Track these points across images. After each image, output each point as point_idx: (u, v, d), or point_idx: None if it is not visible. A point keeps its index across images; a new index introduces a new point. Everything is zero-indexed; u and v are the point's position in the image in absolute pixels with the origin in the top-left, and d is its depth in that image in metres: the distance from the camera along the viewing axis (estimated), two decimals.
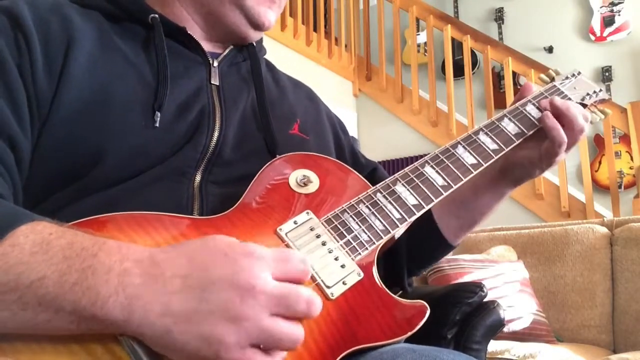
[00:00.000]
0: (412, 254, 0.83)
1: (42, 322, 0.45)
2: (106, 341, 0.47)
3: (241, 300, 0.45)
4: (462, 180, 0.71)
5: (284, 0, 0.80)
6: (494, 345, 1.75)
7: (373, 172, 0.89)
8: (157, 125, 0.66)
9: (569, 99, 0.84)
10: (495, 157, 0.74)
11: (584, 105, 0.89)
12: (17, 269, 0.44)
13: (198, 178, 0.67)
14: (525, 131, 0.77)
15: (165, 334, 0.44)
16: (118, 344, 0.46)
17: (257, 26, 0.78)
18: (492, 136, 0.76)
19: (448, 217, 0.82)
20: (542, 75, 0.89)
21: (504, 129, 0.77)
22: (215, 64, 0.77)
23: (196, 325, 0.44)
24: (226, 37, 0.79)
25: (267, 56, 0.91)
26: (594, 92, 0.88)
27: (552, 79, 0.88)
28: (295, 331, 0.47)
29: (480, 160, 0.73)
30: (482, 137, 0.75)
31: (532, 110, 0.80)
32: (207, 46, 0.77)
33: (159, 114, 0.66)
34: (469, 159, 0.73)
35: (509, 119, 0.78)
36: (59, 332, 0.46)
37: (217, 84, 0.75)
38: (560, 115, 0.75)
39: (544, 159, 0.76)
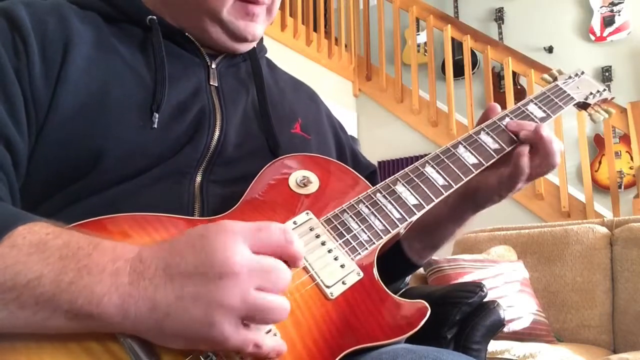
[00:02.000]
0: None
1: (40, 321, 0.45)
2: (105, 341, 0.47)
3: (223, 279, 0.44)
4: (462, 179, 0.71)
5: (275, 8, 0.77)
6: (494, 345, 1.75)
7: (371, 175, 0.89)
8: (155, 126, 0.65)
9: (572, 97, 0.84)
10: (497, 157, 0.74)
11: (587, 105, 0.88)
12: (14, 269, 0.44)
13: (199, 178, 0.67)
14: None
15: (159, 328, 0.45)
16: (117, 343, 0.46)
17: (241, 40, 0.76)
18: (494, 136, 0.75)
19: (411, 239, 0.81)
20: (545, 75, 0.88)
21: (505, 128, 0.76)
22: (214, 65, 0.76)
23: (185, 314, 0.44)
24: (216, 48, 0.77)
25: (266, 56, 0.90)
26: (598, 91, 0.88)
27: (555, 79, 0.88)
28: (284, 302, 0.47)
29: (482, 160, 0.73)
30: (484, 137, 0.75)
31: (534, 110, 0.80)
32: (204, 48, 0.77)
33: (157, 115, 0.66)
34: (470, 158, 0.73)
35: (511, 118, 0.78)
36: (57, 331, 0.46)
37: (216, 85, 0.75)
38: (539, 146, 0.72)
39: (504, 185, 0.74)
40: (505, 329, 1.96)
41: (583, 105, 0.89)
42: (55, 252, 0.46)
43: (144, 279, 0.45)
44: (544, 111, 0.80)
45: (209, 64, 0.76)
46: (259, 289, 0.45)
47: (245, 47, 0.79)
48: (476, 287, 0.89)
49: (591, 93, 0.87)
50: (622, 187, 3.89)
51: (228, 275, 0.44)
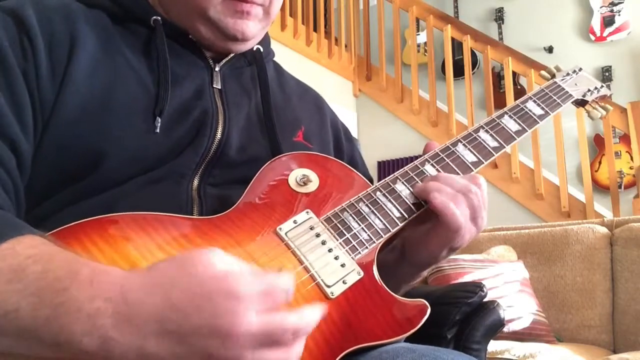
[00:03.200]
0: None
1: (24, 347, 0.44)
2: None
3: (222, 344, 0.42)
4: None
5: (274, 9, 0.73)
6: (494, 345, 1.75)
7: None
8: (158, 131, 0.65)
9: (570, 95, 0.84)
10: (496, 155, 0.74)
11: (585, 102, 0.88)
12: None
13: (196, 181, 0.67)
14: (527, 128, 0.77)
15: None
16: None
17: (231, 39, 0.72)
18: (493, 133, 0.76)
19: None
20: (543, 72, 0.89)
21: (504, 126, 0.76)
22: (217, 68, 0.75)
23: None
24: (213, 49, 0.75)
25: (274, 60, 0.89)
26: (595, 88, 0.88)
27: (553, 76, 0.88)
28: (284, 355, 0.44)
29: (481, 158, 0.73)
30: (483, 135, 0.75)
31: (533, 107, 0.80)
32: (208, 52, 0.75)
33: (159, 120, 0.65)
34: (469, 156, 0.73)
35: (510, 116, 0.78)
36: (45, 357, 0.44)
37: (219, 87, 0.74)
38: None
39: (442, 244, 0.67)
40: (505, 329, 1.96)
41: (581, 102, 0.89)
42: (32, 282, 0.44)
43: (131, 325, 0.42)
44: (543, 109, 0.80)
45: (212, 66, 0.75)
46: (261, 349, 0.43)
47: (240, 47, 0.75)
48: (476, 287, 0.89)
49: (589, 90, 0.87)
50: (622, 187, 3.89)
51: (229, 343, 0.42)
